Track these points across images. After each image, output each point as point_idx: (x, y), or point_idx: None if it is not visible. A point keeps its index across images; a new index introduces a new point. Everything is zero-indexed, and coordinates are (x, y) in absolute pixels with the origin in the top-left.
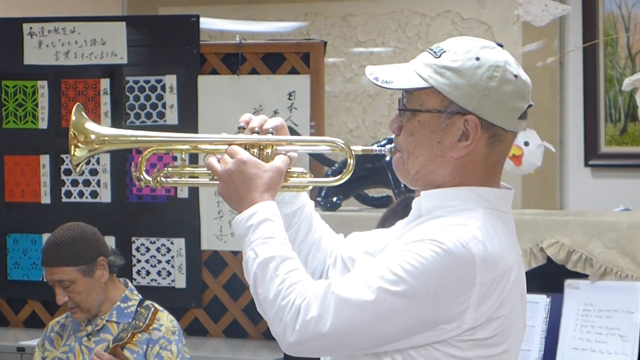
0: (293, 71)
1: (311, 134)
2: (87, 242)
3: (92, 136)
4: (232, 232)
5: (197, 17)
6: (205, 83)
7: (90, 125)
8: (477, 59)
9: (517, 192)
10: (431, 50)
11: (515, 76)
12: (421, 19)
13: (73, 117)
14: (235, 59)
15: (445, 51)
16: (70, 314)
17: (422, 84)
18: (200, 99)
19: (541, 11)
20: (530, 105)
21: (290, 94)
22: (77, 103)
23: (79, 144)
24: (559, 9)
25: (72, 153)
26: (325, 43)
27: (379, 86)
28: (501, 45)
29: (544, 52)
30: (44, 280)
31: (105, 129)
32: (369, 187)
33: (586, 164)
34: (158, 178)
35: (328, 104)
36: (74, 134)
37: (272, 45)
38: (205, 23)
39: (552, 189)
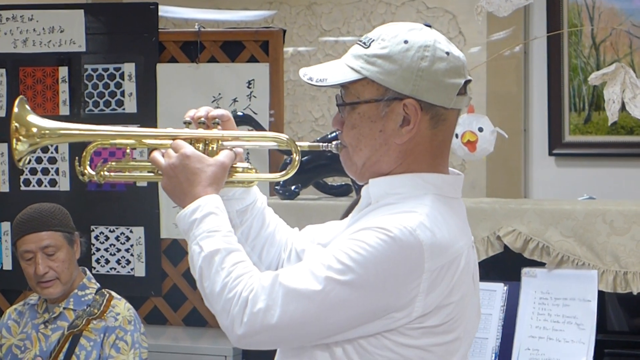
0: (252, 59)
1: (270, 122)
2: (67, 214)
3: (34, 129)
4: None
5: (156, 4)
6: (164, 71)
7: (32, 118)
8: (406, 42)
9: (481, 181)
10: (361, 41)
11: (447, 53)
12: (386, 7)
13: (15, 110)
14: (194, 47)
15: (373, 40)
16: (44, 289)
17: (356, 76)
18: (159, 87)
19: (504, 1)
20: (468, 81)
21: (249, 82)
22: (21, 96)
23: (20, 138)
24: None
25: (14, 147)
26: (284, 31)
27: (314, 85)
28: (429, 26)
29: (508, 42)
30: (3, 268)
31: (47, 122)
32: (328, 176)
33: (550, 153)
34: (101, 172)
35: (293, 92)
36: (16, 127)
37: (231, 33)
38: (170, 11)
39: (517, 178)
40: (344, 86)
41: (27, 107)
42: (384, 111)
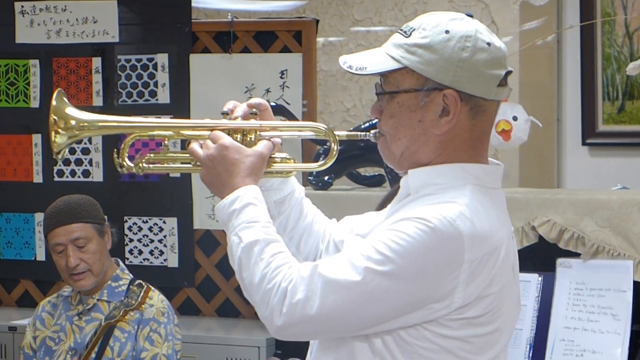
0: (285, 49)
1: (303, 113)
2: (96, 205)
3: (73, 122)
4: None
5: None
6: (197, 61)
7: (71, 110)
8: (447, 31)
9: (514, 171)
10: (401, 30)
11: (488, 44)
12: None
13: (54, 102)
14: (227, 38)
15: (414, 29)
16: (77, 281)
17: (396, 65)
18: (192, 77)
19: None
20: (509, 72)
21: (282, 73)
22: (59, 88)
23: (59, 130)
24: None
25: (53, 139)
26: (317, 21)
27: (354, 74)
28: (471, 16)
29: (541, 31)
30: (36, 259)
31: (85, 115)
32: (362, 166)
33: (584, 143)
34: (140, 164)
35: (325, 83)
36: (55, 120)
37: (264, 23)
38: (202, 2)
39: (550, 167)
40: (384, 75)
41: (65, 99)
42: (423, 101)
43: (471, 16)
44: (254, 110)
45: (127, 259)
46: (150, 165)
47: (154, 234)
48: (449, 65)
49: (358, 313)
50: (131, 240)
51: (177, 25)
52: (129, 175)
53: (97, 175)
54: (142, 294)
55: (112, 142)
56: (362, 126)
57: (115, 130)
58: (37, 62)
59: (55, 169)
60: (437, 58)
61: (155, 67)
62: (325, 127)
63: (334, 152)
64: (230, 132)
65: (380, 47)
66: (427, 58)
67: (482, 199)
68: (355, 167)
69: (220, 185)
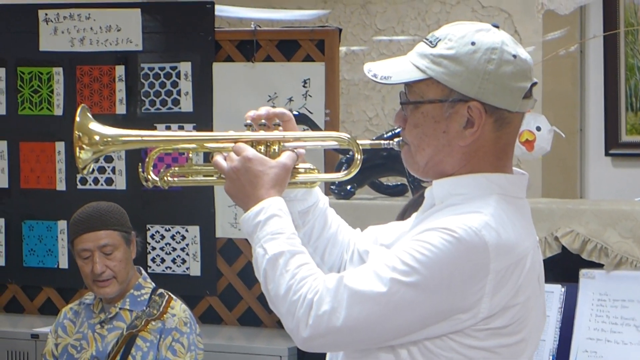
0: (308, 58)
1: (326, 122)
2: (124, 213)
3: (96, 137)
4: None
5: (212, 3)
6: (220, 70)
7: (94, 126)
8: (473, 43)
9: (537, 181)
10: (427, 39)
11: (514, 56)
12: (441, 6)
13: (77, 119)
14: (250, 46)
15: (440, 39)
16: (101, 288)
17: (421, 76)
18: (215, 86)
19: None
20: (534, 84)
21: (305, 82)
22: (82, 104)
23: (83, 146)
24: None
25: (78, 155)
26: (340, 30)
27: (378, 83)
28: (497, 26)
29: (564, 41)
30: (59, 267)
31: (109, 130)
32: (384, 175)
33: (607, 153)
34: (165, 178)
35: (347, 92)
36: (79, 135)
37: (287, 32)
38: (225, 11)
39: (573, 178)
40: (408, 84)
41: (89, 115)
42: (447, 112)
43: (497, 27)
44: (277, 120)
45: (150, 267)
46: (175, 179)
47: (177, 242)
48: (474, 78)
49: (384, 324)
50: (154, 248)
51: (200, 33)
52: None
53: (120, 183)
54: (163, 303)
55: (135, 150)
56: (385, 135)
57: (140, 145)
58: (60, 70)
59: (79, 176)
60: (462, 70)
61: (178, 75)
62: (349, 136)
63: (358, 162)
64: (254, 143)
65: (405, 55)
66: (453, 69)
67: (507, 208)
68: (378, 177)
69: (245, 197)
